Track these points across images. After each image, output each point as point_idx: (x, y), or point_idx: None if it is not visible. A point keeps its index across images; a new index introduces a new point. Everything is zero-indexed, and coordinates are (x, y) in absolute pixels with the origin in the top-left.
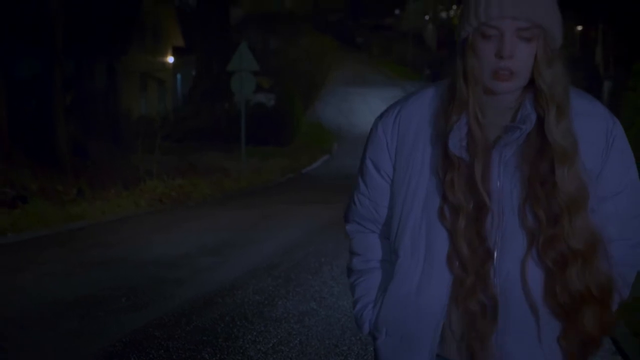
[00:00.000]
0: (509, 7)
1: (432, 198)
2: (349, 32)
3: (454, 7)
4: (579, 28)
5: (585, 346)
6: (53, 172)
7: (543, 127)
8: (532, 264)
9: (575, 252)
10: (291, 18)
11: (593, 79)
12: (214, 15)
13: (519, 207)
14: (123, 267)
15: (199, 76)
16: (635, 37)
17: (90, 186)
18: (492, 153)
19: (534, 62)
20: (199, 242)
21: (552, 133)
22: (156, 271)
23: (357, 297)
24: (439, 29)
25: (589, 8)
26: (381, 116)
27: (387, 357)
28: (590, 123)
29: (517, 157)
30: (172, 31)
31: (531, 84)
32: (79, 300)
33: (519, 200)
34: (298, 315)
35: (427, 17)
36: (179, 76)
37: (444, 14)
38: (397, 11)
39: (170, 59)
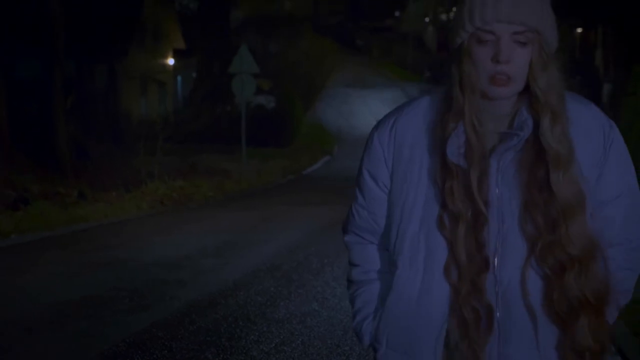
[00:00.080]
0: (504, 11)
1: (430, 207)
2: (349, 34)
3: (454, 9)
4: (579, 31)
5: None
6: (54, 173)
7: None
8: (532, 271)
9: (572, 258)
10: (291, 20)
11: (593, 82)
12: (215, 18)
13: (519, 214)
14: (126, 268)
15: (200, 78)
16: (635, 39)
17: (91, 188)
18: (490, 160)
19: (529, 66)
20: (200, 243)
21: (547, 138)
22: (158, 272)
23: (356, 309)
24: (439, 31)
25: (589, 10)
26: (377, 127)
27: None
28: (587, 127)
29: (515, 164)
30: (172, 33)
31: (527, 89)
32: (83, 301)
33: (518, 207)
34: (300, 316)
35: (427, 19)
36: (179, 78)
37: (444, 16)
38: (397, 13)
39: (171, 61)
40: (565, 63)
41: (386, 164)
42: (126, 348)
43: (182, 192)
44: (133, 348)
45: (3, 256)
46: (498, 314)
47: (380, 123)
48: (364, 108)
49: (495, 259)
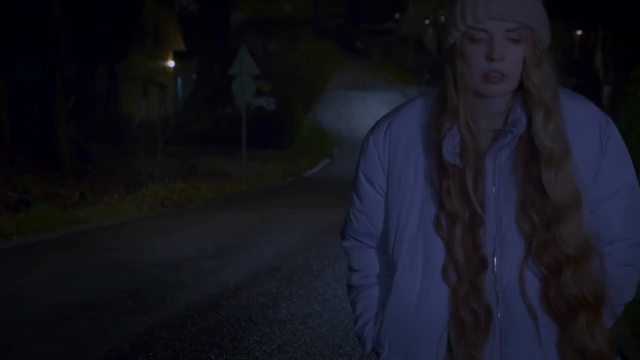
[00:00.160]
0: (496, 9)
1: (427, 208)
2: (349, 37)
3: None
4: (579, 33)
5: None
6: (55, 175)
7: None
8: (529, 270)
9: (568, 257)
10: (290, 23)
11: (593, 84)
12: (215, 20)
13: (515, 213)
14: (126, 270)
15: (200, 80)
16: (635, 39)
17: (92, 190)
18: (486, 159)
19: (523, 63)
20: (200, 245)
21: (540, 136)
22: (159, 274)
23: (357, 314)
24: (439, 33)
25: (589, 11)
26: (372, 130)
27: None
28: (583, 124)
29: (511, 162)
30: (173, 35)
31: (521, 87)
32: (84, 303)
33: (514, 206)
34: (302, 317)
35: (427, 22)
36: (179, 80)
37: (444, 19)
38: (397, 16)
39: (171, 63)
40: (564, 63)
41: (382, 167)
42: (130, 348)
43: (182, 194)
44: (137, 348)
45: (4, 258)
46: (499, 314)
47: (375, 126)
48: (364, 111)
49: (495, 258)
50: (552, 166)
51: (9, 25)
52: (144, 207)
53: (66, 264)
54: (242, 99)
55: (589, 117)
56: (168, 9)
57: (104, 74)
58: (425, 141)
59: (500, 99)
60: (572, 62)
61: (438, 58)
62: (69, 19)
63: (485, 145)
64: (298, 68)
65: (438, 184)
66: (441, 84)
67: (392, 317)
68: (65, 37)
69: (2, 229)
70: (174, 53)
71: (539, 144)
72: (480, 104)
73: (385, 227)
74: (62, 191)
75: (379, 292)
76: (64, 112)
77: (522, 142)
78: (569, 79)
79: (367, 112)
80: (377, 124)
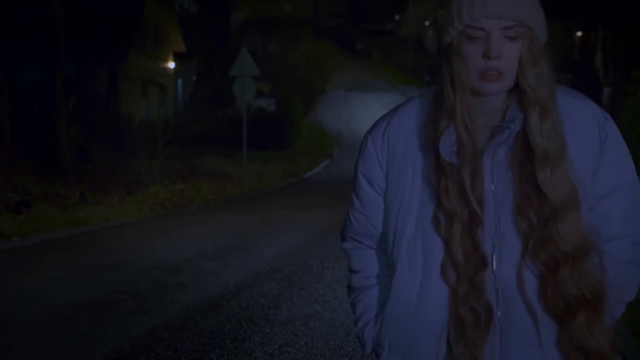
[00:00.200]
0: (493, 7)
1: (426, 208)
2: (349, 38)
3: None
4: (579, 34)
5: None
6: (55, 176)
7: None
8: (527, 268)
9: (565, 254)
10: (290, 23)
11: (593, 85)
12: (215, 20)
13: (513, 211)
14: (126, 271)
15: (200, 81)
16: (635, 40)
17: (92, 190)
18: (484, 157)
19: (519, 61)
20: (201, 246)
21: (534, 134)
22: (159, 275)
23: (357, 315)
24: (438, 34)
25: (589, 11)
26: (370, 131)
27: None
28: (582, 121)
29: (509, 159)
30: (173, 36)
31: (517, 85)
32: (85, 304)
33: (512, 204)
34: (303, 318)
35: (427, 23)
36: (179, 81)
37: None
38: (397, 16)
39: (172, 64)
40: (562, 62)
41: (380, 167)
42: (131, 349)
43: (182, 195)
44: (138, 349)
45: (5, 259)
46: (499, 313)
47: (373, 126)
48: (364, 111)
49: (494, 257)
50: (547, 165)
51: (9, 25)
52: (144, 208)
53: (66, 265)
54: (243, 100)
55: (588, 114)
56: (168, 10)
57: (104, 74)
58: (422, 140)
59: (497, 97)
60: (572, 62)
61: (438, 59)
62: (69, 19)
63: (482, 143)
64: (298, 68)
65: (436, 183)
66: (438, 83)
67: (392, 318)
68: (66, 37)
69: (2, 230)
70: (174, 54)
71: (533, 143)
72: (477, 102)
73: (384, 227)
74: (62, 191)
75: (379, 293)
76: (64, 112)
77: (517, 141)
78: (566, 75)
79: (367, 113)
80: (376, 124)
